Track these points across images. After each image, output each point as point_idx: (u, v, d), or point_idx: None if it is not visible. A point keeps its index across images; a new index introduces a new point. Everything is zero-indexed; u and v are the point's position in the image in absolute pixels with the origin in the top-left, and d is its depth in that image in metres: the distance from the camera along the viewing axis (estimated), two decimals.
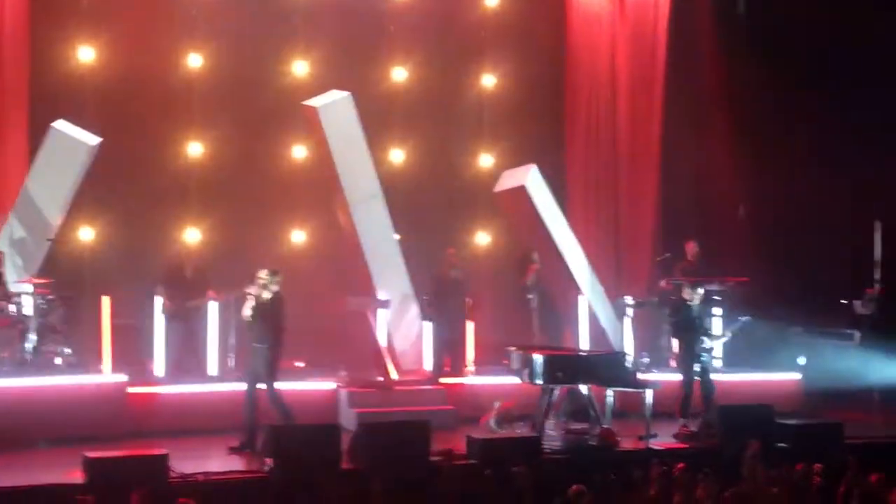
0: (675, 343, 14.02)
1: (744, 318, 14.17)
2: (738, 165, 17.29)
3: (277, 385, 12.18)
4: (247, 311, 12.12)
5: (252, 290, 12.09)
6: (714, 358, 14.09)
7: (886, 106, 16.84)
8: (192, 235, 15.27)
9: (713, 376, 13.69)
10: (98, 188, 14.53)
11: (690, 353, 13.41)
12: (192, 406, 13.04)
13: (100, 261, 14.70)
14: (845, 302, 17.49)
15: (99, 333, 13.33)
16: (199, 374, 13.87)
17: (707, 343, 13.52)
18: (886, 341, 16.08)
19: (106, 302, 13.42)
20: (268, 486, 10.42)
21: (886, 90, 16.75)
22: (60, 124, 14.14)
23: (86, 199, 14.49)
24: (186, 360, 14.11)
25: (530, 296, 15.68)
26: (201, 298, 14.10)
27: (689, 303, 13.50)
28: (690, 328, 13.46)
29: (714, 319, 15.07)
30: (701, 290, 13.64)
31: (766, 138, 17.41)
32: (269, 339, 12.06)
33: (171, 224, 15.23)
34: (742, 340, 14.89)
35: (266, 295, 12.06)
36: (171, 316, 13.90)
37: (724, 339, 14.30)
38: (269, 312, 12.05)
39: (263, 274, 12.09)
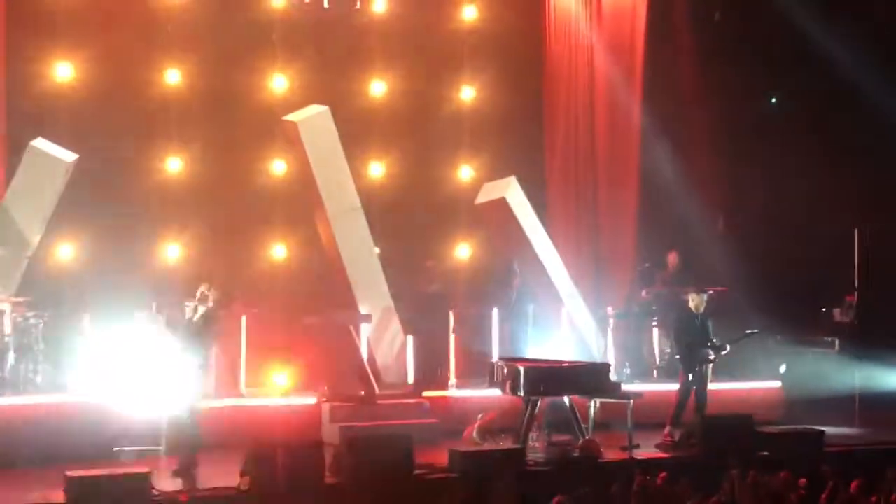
0: (665, 353, 14.01)
1: (752, 331, 14.11)
2: (717, 174, 17.37)
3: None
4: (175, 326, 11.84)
5: (190, 304, 11.87)
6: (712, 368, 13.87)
7: (864, 113, 16.96)
8: (171, 251, 15.22)
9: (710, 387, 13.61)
10: (76, 205, 14.46)
11: (690, 362, 13.39)
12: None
13: (79, 278, 14.62)
14: (825, 310, 17.60)
15: (79, 352, 13.26)
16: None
17: (706, 354, 13.44)
18: (866, 349, 16.16)
19: (86, 319, 13.36)
20: (251, 501, 10.38)
21: (862, 95, 16.86)
22: (38, 142, 14.10)
23: (64, 217, 14.42)
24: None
25: (518, 307, 15.63)
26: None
27: (696, 311, 13.43)
28: (693, 337, 13.42)
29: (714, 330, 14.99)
30: (705, 296, 13.57)
31: (744, 146, 17.49)
32: (201, 355, 11.71)
33: (151, 240, 15.18)
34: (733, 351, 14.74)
35: (201, 309, 11.73)
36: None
37: (724, 352, 14.01)
38: (202, 328, 11.73)
39: (203, 288, 11.81)
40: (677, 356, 13.84)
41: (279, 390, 14.05)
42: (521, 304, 15.61)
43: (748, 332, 14.04)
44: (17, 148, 14.27)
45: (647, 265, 16.34)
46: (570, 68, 17.34)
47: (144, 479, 10.36)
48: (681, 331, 13.68)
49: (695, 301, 13.49)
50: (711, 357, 13.42)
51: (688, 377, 13.37)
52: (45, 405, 12.61)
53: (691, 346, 13.38)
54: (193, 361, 11.56)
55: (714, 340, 13.57)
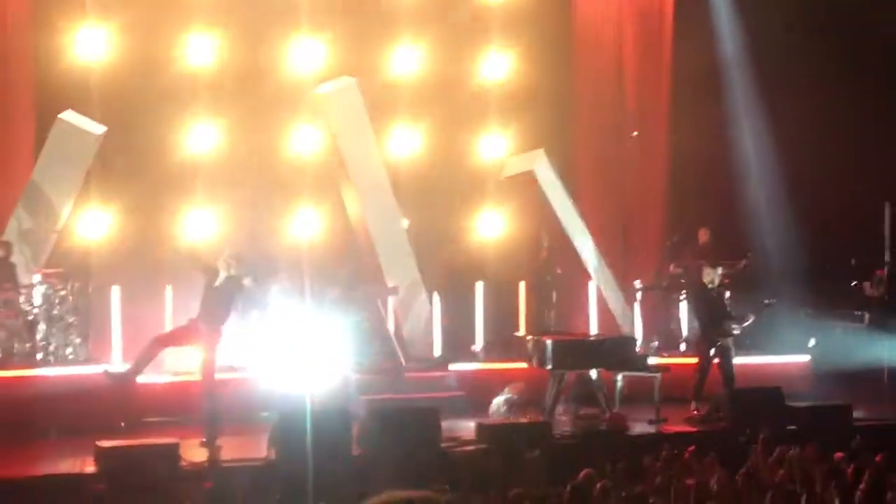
0: (693, 327, 13.97)
1: (768, 302, 14.06)
2: (747, 148, 17.24)
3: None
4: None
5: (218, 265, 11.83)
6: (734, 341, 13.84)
7: None
8: (199, 224, 15.25)
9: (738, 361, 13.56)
10: (105, 178, 14.53)
11: (709, 337, 13.35)
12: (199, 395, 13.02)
13: (108, 250, 14.70)
14: (855, 284, 17.48)
15: (109, 324, 13.36)
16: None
17: (729, 327, 13.38)
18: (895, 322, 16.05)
19: (115, 292, 13.44)
20: (277, 473, 10.43)
21: None
22: (67, 115, 14.15)
23: (93, 189, 14.49)
24: None
25: (549, 278, 15.61)
26: None
27: (708, 285, 13.40)
28: (710, 311, 13.38)
29: (732, 304, 14.94)
30: (719, 270, 13.54)
31: (775, 120, 17.33)
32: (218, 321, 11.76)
33: (180, 213, 15.22)
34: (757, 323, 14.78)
35: (223, 276, 11.78)
36: None
37: (746, 324, 13.99)
38: (222, 294, 11.80)
39: (228, 254, 11.89)
40: (697, 331, 13.81)
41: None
42: (548, 275, 15.60)
43: (765, 302, 14.01)
44: (46, 121, 14.33)
45: (675, 239, 16.26)
46: (598, 40, 17.23)
47: (173, 449, 10.44)
48: (700, 305, 13.66)
49: (709, 275, 13.45)
50: (733, 330, 13.36)
51: (707, 352, 13.32)
52: (75, 376, 12.70)
53: (711, 321, 13.33)
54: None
55: (731, 314, 13.54)
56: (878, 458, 9.31)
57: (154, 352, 11.77)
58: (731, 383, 13.24)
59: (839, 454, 9.64)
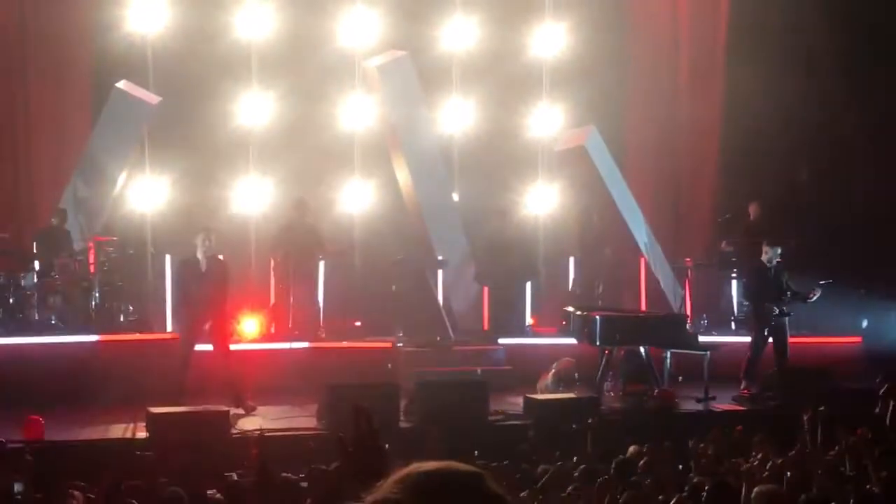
0: (743, 306, 13.83)
1: (824, 282, 13.88)
2: (800, 128, 17.01)
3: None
4: None
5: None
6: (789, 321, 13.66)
7: None
8: (251, 195, 15.34)
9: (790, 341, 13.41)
10: (160, 147, 14.66)
11: (763, 317, 13.21)
12: (252, 363, 13.16)
13: (162, 219, 14.85)
14: None
15: (162, 292, 13.51)
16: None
17: (783, 307, 13.22)
18: None
19: (168, 260, 13.59)
20: (325, 443, 10.52)
21: None
22: (123, 84, 14.28)
23: (148, 158, 14.63)
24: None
25: (598, 254, 15.53)
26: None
27: (767, 265, 13.24)
28: (765, 291, 13.23)
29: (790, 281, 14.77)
30: (779, 250, 13.35)
31: (833, 101, 17.06)
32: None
33: (232, 183, 15.33)
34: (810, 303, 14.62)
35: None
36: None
37: (813, 298, 13.69)
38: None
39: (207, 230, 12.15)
40: (750, 310, 13.67)
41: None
42: (597, 252, 15.55)
43: (822, 282, 13.77)
44: (102, 90, 14.47)
45: (727, 216, 16.11)
46: (655, 16, 17.09)
47: (224, 417, 10.56)
48: (753, 284, 13.50)
49: (768, 254, 13.27)
50: (785, 311, 13.20)
51: (761, 331, 13.19)
52: (128, 342, 12.87)
53: (764, 300, 13.19)
54: None
55: (789, 293, 13.36)
56: None
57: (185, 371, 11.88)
58: (785, 363, 13.11)
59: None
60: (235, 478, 8.14)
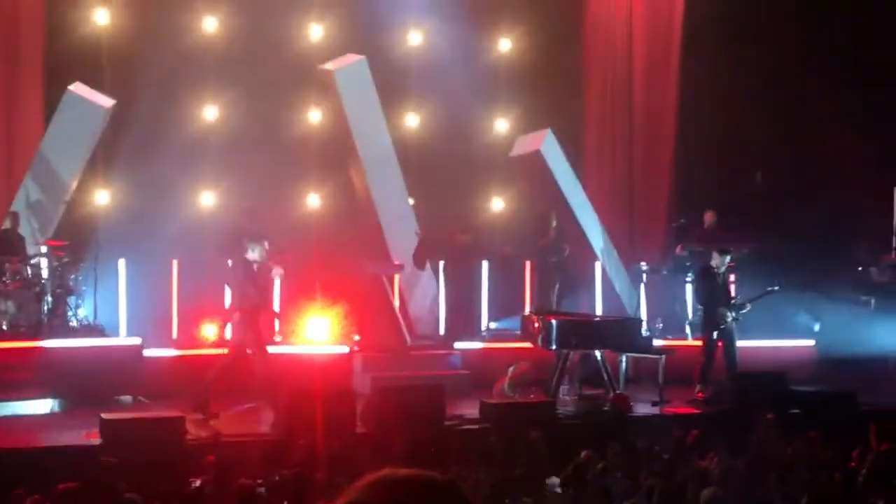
0: (698, 309, 13.95)
1: (773, 288, 14.05)
2: (755, 130, 17.19)
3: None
4: None
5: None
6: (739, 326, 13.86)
7: None
8: (206, 199, 15.27)
9: (738, 344, 13.57)
10: (113, 150, 14.54)
11: (713, 321, 13.34)
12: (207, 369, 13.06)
13: (115, 223, 14.72)
14: (861, 269, 17.45)
15: (115, 296, 13.39)
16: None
17: (730, 311, 13.37)
18: None
19: (121, 265, 13.47)
20: (283, 448, 10.47)
21: None
22: (76, 87, 14.15)
23: (101, 162, 14.50)
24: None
25: (555, 259, 15.58)
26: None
27: (714, 270, 13.39)
28: (714, 295, 13.37)
29: (737, 287, 14.93)
30: (727, 258, 13.53)
31: (784, 102, 17.27)
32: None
33: (186, 186, 15.23)
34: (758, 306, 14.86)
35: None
36: None
37: (748, 308, 14.01)
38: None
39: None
40: (701, 313, 13.80)
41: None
42: (554, 256, 15.58)
43: (769, 289, 13.96)
44: (55, 93, 14.33)
45: (682, 221, 16.23)
46: (609, 21, 17.18)
47: (178, 422, 10.48)
48: (702, 289, 13.65)
49: (716, 260, 13.42)
50: (731, 316, 13.33)
51: (711, 335, 13.32)
52: (81, 348, 12.74)
53: (712, 305, 13.33)
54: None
55: (735, 299, 13.53)
56: (884, 447, 9.33)
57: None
58: (734, 368, 13.24)
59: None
60: (198, 484, 8.07)
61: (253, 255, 11.71)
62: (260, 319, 11.99)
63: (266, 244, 11.88)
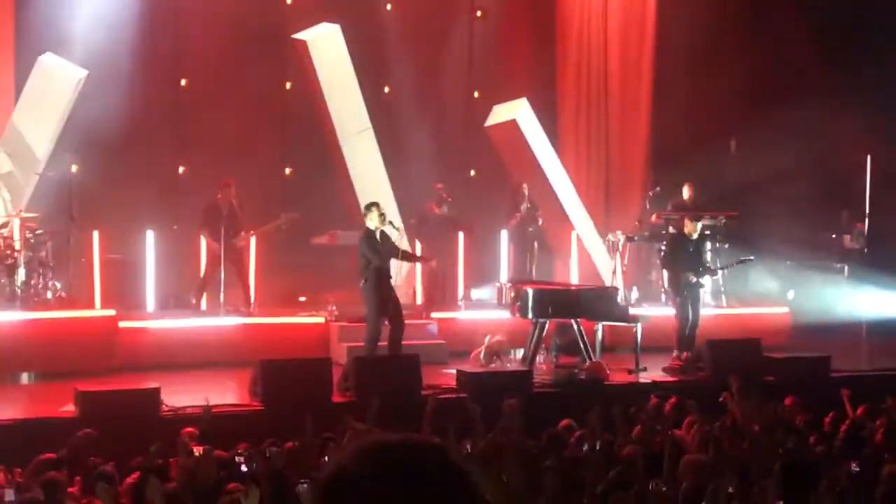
0: (665, 276, 14.01)
1: (746, 258, 14.12)
2: (730, 100, 17.21)
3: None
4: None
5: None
6: (703, 292, 14.01)
7: (882, 43, 16.77)
8: (180, 168, 15.17)
9: (703, 311, 13.68)
10: (85, 121, 14.38)
11: (677, 285, 13.39)
12: (182, 340, 13.04)
13: (88, 195, 14.58)
14: (834, 236, 17.56)
15: (89, 268, 13.30)
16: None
17: (699, 278, 13.42)
18: (874, 275, 16.16)
19: (95, 236, 13.38)
20: (261, 419, 10.46)
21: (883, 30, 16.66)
22: (47, 57, 13.99)
23: (73, 133, 14.35)
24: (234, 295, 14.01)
25: (531, 229, 15.57)
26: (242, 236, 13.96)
27: (689, 237, 13.42)
28: (681, 260, 13.41)
29: (709, 254, 14.98)
30: (700, 224, 13.58)
31: (758, 71, 17.31)
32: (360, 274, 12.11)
33: (159, 158, 15.12)
34: (732, 274, 14.99)
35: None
36: (215, 256, 13.78)
37: (718, 275, 14.13)
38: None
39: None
40: (667, 277, 13.84)
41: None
42: (530, 226, 15.58)
43: (742, 259, 14.06)
44: (26, 64, 14.16)
45: (657, 189, 16.26)
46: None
47: (154, 394, 10.45)
48: (668, 254, 13.71)
49: (689, 227, 13.46)
50: (696, 280, 13.36)
51: (679, 301, 13.35)
52: (54, 320, 12.67)
53: (678, 271, 13.36)
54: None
55: (706, 265, 13.58)
56: (859, 410, 9.42)
57: None
58: (695, 331, 13.26)
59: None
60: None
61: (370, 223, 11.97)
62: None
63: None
